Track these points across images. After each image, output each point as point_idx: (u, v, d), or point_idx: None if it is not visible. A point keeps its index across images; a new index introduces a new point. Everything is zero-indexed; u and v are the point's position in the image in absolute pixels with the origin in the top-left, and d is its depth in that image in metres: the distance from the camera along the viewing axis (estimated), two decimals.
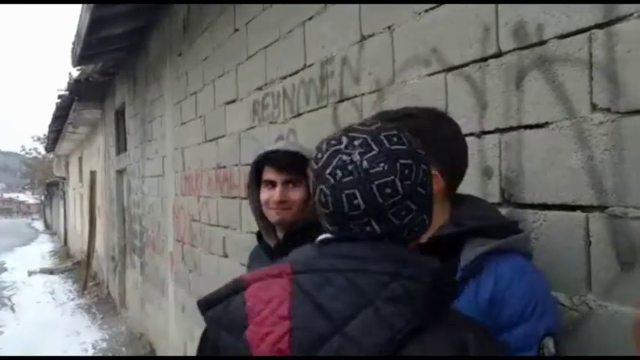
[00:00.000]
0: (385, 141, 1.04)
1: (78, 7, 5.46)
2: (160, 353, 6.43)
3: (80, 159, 16.25)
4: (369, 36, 2.19)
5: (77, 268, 14.96)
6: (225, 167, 3.92)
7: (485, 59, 1.64)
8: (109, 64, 8.13)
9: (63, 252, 20.79)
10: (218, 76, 4.00)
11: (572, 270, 1.38)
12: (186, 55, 4.84)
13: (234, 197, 3.72)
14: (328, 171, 1.04)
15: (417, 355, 0.93)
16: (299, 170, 1.77)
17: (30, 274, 14.82)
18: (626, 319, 1.26)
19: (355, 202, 1.01)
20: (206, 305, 1.10)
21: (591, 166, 1.33)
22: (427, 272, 1.04)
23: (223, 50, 3.87)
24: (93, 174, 12.13)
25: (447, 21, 1.78)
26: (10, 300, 11.46)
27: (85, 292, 11.73)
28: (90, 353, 7.40)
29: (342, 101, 2.40)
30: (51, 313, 10.02)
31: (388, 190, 1.01)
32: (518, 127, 1.53)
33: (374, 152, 1.03)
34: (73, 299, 11.39)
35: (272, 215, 1.80)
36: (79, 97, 9.88)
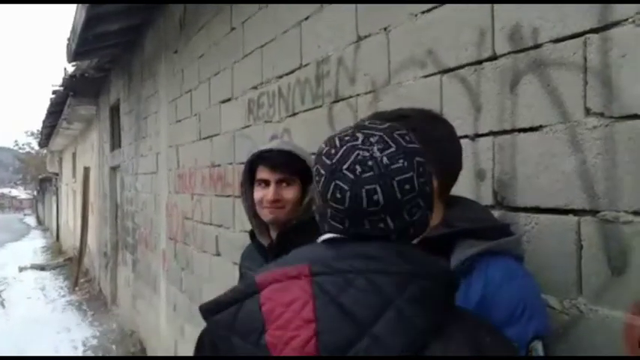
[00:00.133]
0: (400, 139, 1.06)
1: (74, 4, 5.44)
2: (150, 351, 6.41)
3: (74, 155, 16.18)
4: (365, 37, 2.19)
5: (69, 265, 14.91)
6: (219, 166, 3.92)
7: (480, 62, 1.64)
8: (104, 60, 8.10)
9: (55, 248, 20.71)
10: (214, 74, 4.00)
11: (564, 273, 1.39)
12: (182, 52, 4.84)
13: (228, 196, 3.71)
14: (346, 166, 1.03)
15: (438, 355, 0.94)
16: (293, 170, 1.77)
17: (21, 269, 14.75)
18: (616, 324, 1.27)
19: (375, 197, 1.01)
20: (212, 310, 1.05)
21: (584, 170, 1.34)
22: (440, 271, 1.06)
23: (219, 48, 3.87)
24: (86, 170, 12.09)
25: (443, 23, 1.79)
26: (0, 296, 11.41)
27: (76, 288, 11.69)
28: (80, 350, 7.37)
29: (337, 101, 2.40)
30: (41, 309, 9.98)
31: (407, 187, 1.02)
32: (512, 131, 1.54)
33: (392, 149, 1.03)
34: (64, 296, 11.34)
35: (265, 214, 1.80)
36: (74, 92, 9.86)
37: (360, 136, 1.06)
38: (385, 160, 1.02)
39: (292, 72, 2.80)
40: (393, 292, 0.98)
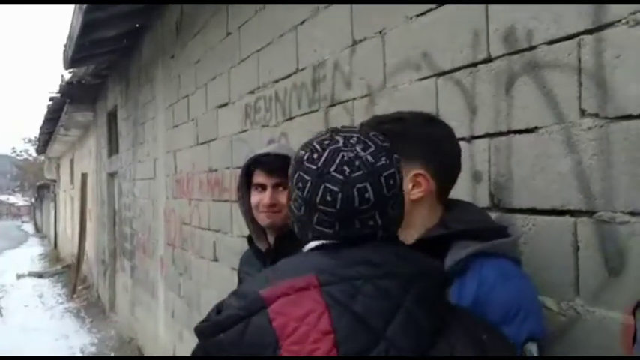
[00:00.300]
0: (376, 139, 1.09)
1: (70, 9, 5.44)
2: None
3: (72, 161, 16.17)
4: (361, 40, 2.20)
5: (67, 272, 14.86)
6: (216, 170, 3.92)
7: (475, 64, 1.65)
8: (101, 66, 8.10)
9: (53, 255, 20.65)
10: (210, 79, 4.00)
11: (560, 275, 1.39)
12: (178, 57, 4.84)
13: (226, 201, 3.71)
14: (334, 168, 1.04)
15: (446, 354, 0.96)
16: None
17: (19, 277, 14.70)
18: (613, 324, 1.26)
19: (366, 195, 1.03)
20: (212, 331, 1.02)
21: (580, 171, 1.34)
22: (436, 271, 1.09)
23: (216, 53, 3.87)
24: (84, 176, 12.07)
25: (437, 26, 1.79)
26: None
27: (75, 295, 11.65)
28: None
29: (333, 105, 2.40)
30: (39, 316, 9.94)
31: (392, 182, 1.06)
32: (508, 132, 1.54)
33: (373, 148, 1.07)
34: (62, 303, 11.31)
35: (262, 219, 1.80)
36: (71, 99, 9.84)
37: (339, 139, 1.08)
38: (370, 158, 1.05)
39: (288, 76, 2.81)
40: (399, 295, 0.99)
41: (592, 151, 1.31)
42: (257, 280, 1.09)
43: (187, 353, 3.03)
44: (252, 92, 3.27)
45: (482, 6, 1.61)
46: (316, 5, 2.50)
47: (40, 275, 15.13)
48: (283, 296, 0.99)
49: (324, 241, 1.08)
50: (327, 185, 1.04)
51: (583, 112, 1.33)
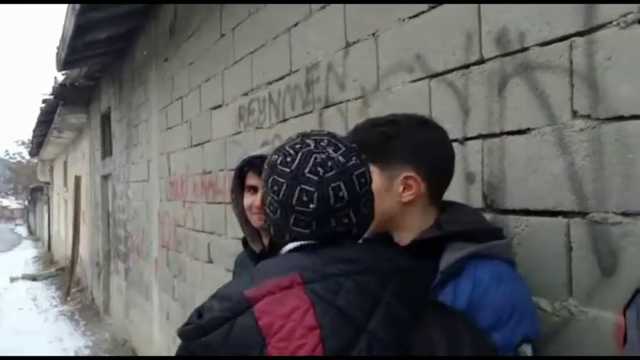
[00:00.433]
0: (344, 141, 1.16)
1: (63, 10, 5.42)
2: None
3: (65, 163, 16.11)
4: (354, 42, 2.20)
5: (61, 274, 14.80)
6: (210, 172, 3.91)
7: (468, 66, 1.65)
8: (94, 68, 8.08)
9: (46, 258, 20.57)
10: (204, 81, 4.00)
11: (554, 275, 1.39)
12: (172, 59, 4.83)
13: (220, 203, 3.70)
14: (307, 170, 1.09)
15: (419, 343, 1.01)
16: None
17: (12, 280, 14.63)
18: (606, 325, 1.27)
19: (340, 194, 1.08)
20: (197, 334, 1.03)
21: (572, 172, 1.35)
22: (414, 266, 1.14)
23: (209, 55, 3.87)
24: (78, 179, 12.03)
25: (430, 28, 1.80)
26: None
27: (69, 298, 11.60)
28: None
29: (327, 107, 2.41)
30: (33, 319, 9.89)
31: (363, 180, 1.12)
32: (501, 134, 1.55)
33: (343, 149, 1.12)
34: (56, 306, 11.26)
35: (255, 220, 1.80)
36: (64, 101, 9.81)
37: (310, 142, 1.13)
38: (341, 158, 1.10)
39: (282, 78, 2.81)
40: (378, 291, 1.04)
41: (584, 152, 1.32)
42: (239, 282, 1.12)
43: None
44: (245, 94, 3.27)
45: (474, 8, 1.62)
46: (309, 7, 2.50)
47: (33, 278, 15.06)
48: (269, 295, 1.02)
49: (302, 242, 1.12)
50: (303, 186, 1.08)
51: (575, 114, 1.33)
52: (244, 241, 1.93)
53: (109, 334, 8.20)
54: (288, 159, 1.12)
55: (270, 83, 2.95)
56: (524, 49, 1.46)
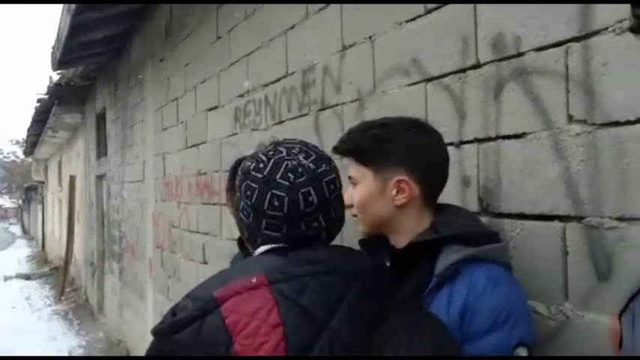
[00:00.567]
0: (315, 149, 1.22)
1: (59, 10, 5.40)
2: None
3: (60, 163, 16.05)
4: (350, 45, 2.20)
5: (55, 274, 14.74)
6: (205, 174, 3.91)
7: (464, 70, 1.66)
8: (90, 68, 8.05)
9: (40, 257, 20.49)
10: (200, 82, 3.99)
11: (550, 279, 1.40)
12: (168, 60, 4.82)
13: (215, 204, 3.70)
14: (279, 176, 1.14)
15: (382, 338, 1.05)
16: None
17: (6, 279, 14.57)
18: (602, 329, 1.28)
19: (310, 199, 1.14)
20: (169, 332, 1.08)
21: (568, 176, 1.35)
22: (378, 267, 1.23)
23: (205, 56, 3.86)
24: (72, 178, 11.99)
25: (427, 32, 1.80)
26: None
27: (63, 297, 11.57)
28: None
29: (323, 109, 2.41)
30: (27, 318, 9.85)
31: (332, 186, 1.18)
32: (497, 138, 1.55)
33: (314, 156, 1.18)
34: (49, 305, 11.22)
35: None
36: (59, 101, 9.77)
37: (282, 149, 1.19)
38: (312, 165, 1.16)
39: (278, 80, 2.81)
40: (342, 290, 1.10)
41: (580, 157, 1.32)
42: (211, 283, 1.16)
43: None
44: (241, 96, 3.27)
45: (471, 13, 1.62)
46: (306, 10, 2.50)
47: (27, 277, 15.01)
48: (236, 295, 1.07)
49: (274, 245, 1.18)
50: (274, 191, 1.14)
51: (571, 118, 1.34)
52: (240, 242, 1.92)
53: (104, 333, 8.17)
54: (261, 165, 1.17)
55: (266, 85, 2.95)
56: (520, 54, 1.47)
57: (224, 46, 3.49)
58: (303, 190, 1.13)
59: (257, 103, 3.07)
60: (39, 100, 10.43)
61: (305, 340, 1.04)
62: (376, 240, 1.41)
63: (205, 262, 3.92)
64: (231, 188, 1.88)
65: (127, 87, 6.52)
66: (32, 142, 16.01)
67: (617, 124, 1.24)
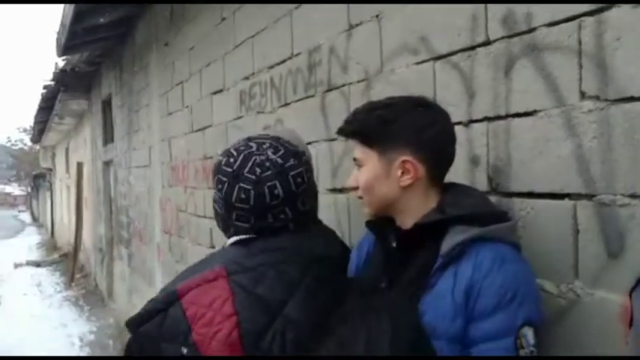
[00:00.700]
0: (286, 144, 1.27)
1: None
2: None
3: (67, 150, 16.10)
4: (357, 25, 2.17)
5: (64, 260, 14.85)
6: (211, 158, 3.90)
7: (473, 47, 1.63)
8: (95, 53, 8.02)
9: (50, 244, 20.64)
10: (205, 66, 3.97)
11: (560, 258, 1.38)
12: (172, 44, 4.80)
13: None
14: (247, 170, 1.20)
15: (340, 321, 1.09)
16: None
17: (16, 266, 14.69)
18: (613, 307, 1.26)
19: (275, 192, 1.19)
20: (138, 323, 1.17)
21: (579, 154, 1.33)
22: (338, 251, 1.29)
23: (210, 40, 3.84)
24: (80, 165, 12.03)
25: (435, 9, 1.77)
26: None
27: (73, 284, 11.66)
28: (77, 346, 7.36)
29: (330, 90, 2.38)
30: (38, 305, 9.95)
31: (299, 180, 1.23)
32: (507, 116, 1.53)
33: (282, 151, 1.24)
34: (60, 291, 11.32)
35: None
36: (65, 87, 9.77)
37: (253, 145, 1.25)
38: (279, 160, 1.22)
39: (284, 62, 2.78)
40: (299, 276, 1.16)
41: (592, 134, 1.30)
42: (179, 276, 1.25)
43: None
44: (247, 78, 3.24)
45: None
46: None
47: (37, 264, 15.12)
48: (195, 288, 1.14)
49: (242, 236, 1.24)
50: (242, 185, 1.20)
51: (583, 95, 1.31)
52: None
53: (114, 319, 8.24)
54: (231, 160, 1.23)
55: (271, 67, 2.93)
56: (531, 30, 1.44)
57: (229, 28, 3.46)
58: (269, 184, 1.19)
59: (262, 86, 3.05)
60: (45, 87, 10.43)
61: (258, 327, 1.09)
62: (382, 221, 1.40)
63: (213, 247, 3.93)
64: None
65: (132, 72, 6.50)
66: (39, 129, 16.05)
67: (630, 99, 1.21)
